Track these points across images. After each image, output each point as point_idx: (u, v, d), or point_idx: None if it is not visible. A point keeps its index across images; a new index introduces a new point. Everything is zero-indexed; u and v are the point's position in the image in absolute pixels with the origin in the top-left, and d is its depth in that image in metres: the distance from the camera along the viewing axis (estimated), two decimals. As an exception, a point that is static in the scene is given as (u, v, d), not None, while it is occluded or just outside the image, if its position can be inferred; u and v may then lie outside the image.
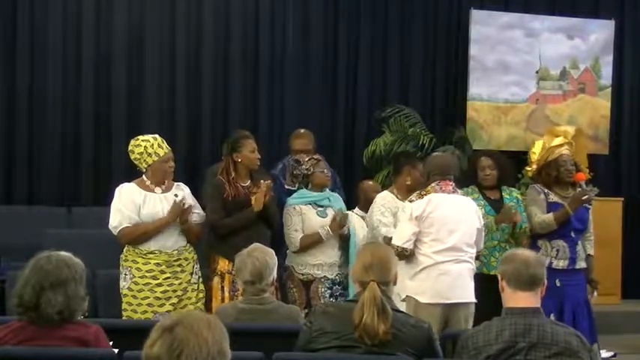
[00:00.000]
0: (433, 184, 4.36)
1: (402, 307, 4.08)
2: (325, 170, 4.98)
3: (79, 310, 2.83)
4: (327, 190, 5.06)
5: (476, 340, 2.88)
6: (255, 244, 3.71)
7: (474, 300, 4.25)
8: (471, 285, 4.26)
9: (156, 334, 1.74)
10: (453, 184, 4.39)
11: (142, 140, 4.49)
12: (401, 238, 4.30)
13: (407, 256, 4.29)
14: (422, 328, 3.01)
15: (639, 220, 7.81)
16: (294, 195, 5.03)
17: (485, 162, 5.07)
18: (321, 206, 4.94)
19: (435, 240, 4.23)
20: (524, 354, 2.80)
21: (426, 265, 4.23)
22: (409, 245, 4.27)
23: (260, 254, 3.57)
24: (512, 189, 5.31)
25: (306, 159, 5.04)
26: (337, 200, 5.06)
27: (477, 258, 4.51)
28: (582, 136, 5.92)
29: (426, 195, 4.33)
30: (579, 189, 4.93)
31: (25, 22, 7.06)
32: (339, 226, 4.82)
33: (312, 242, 4.85)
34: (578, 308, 4.82)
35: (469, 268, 4.28)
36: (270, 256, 3.61)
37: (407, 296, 4.30)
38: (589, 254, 5.04)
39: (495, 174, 5.05)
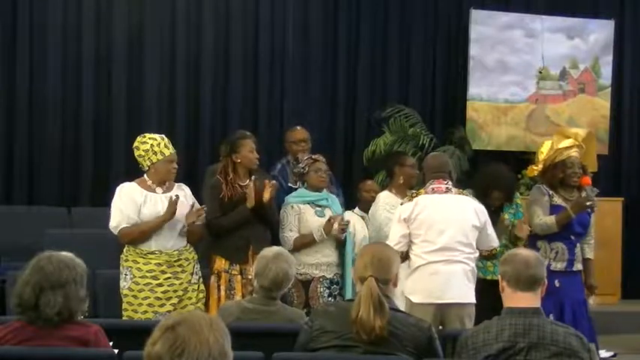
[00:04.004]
0: (427, 186, 4.37)
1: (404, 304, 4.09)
2: (322, 171, 4.95)
3: (78, 311, 2.83)
4: (325, 191, 5.04)
5: (475, 340, 2.88)
6: (281, 249, 3.69)
7: (470, 301, 4.21)
8: (466, 286, 4.21)
9: (158, 332, 1.74)
10: (448, 183, 4.37)
11: (149, 138, 4.49)
12: (391, 240, 4.29)
13: (400, 258, 4.30)
14: (422, 327, 3.01)
15: (639, 220, 7.81)
16: (294, 193, 5.04)
17: (497, 195, 5.00)
18: (320, 206, 4.94)
19: (425, 241, 4.23)
20: (524, 354, 2.80)
21: (418, 265, 4.24)
22: (399, 247, 4.24)
23: (284, 264, 3.52)
24: (513, 192, 5.32)
25: (305, 157, 5.05)
26: (335, 202, 5.04)
27: (494, 256, 4.46)
28: (594, 140, 5.89)
29: (416, 197, 4.33)
30: (584, 194, 4.91)
31: (25, 22, 7.05)
32: (339, 230, 4.81)
33: (305, 243, 4.85)
34: (578, 308, 4.82)
35: (464, 268, 4.21)
36: (293, 266, 3.60)
37: (405, 296, 4.31)
38: (588, 258, 5.00)
39: (503, 200, 5.05)
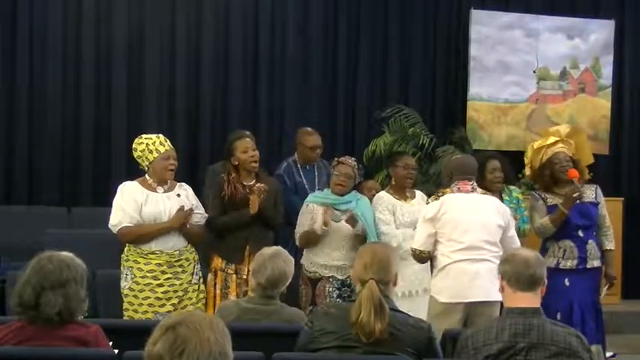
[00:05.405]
0: (452, 186, 4.37)
1: (403, 304, 4.09)
2: (341, 175, 4.89)
3: (78, 311, 2.83)
4: (354, 192, 4.99)
5: (475, 340, 2.88)
6: (279, 249, 3.68)
7: (496, 299, 4.07)
8: (492, 283, 4.09)
9: (158, 332, 1.74)
10: (473, 184, 4.37)
11: (145, 138, 4.52)
12: (417, 241, 4.33)
13: (425, 258, 4.30)
14: (422, 327, 3.01)
15: (639, 220, 7.81)
16: (316, 192, 5.07)
17: (493, 164, 5.04)
18: (339, 210, 4.89)
19: (451, 240, 4.22)
20: (524, 354, 2.80)
21: (445, 265, 4.23)
22: (426, 247, 4.27)
23: (281, 263, 3.53)
24: (513, 188, 5.31)
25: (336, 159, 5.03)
26: (361, 203, 4.96)
27: None
28: (581, 134, 5.90)
29: (442, 196, 4.34)
30: (572, 187, 4.90)
31: (25, 21, 7.05)
32: (351, 223, 4.80)
33: (309, 239, 4.85)
34: (587, 309, 4.80)
35: (490, 267, 4.13)
36: (290, 265, 3.59)
37: (430, 296, 4.32)
38: (608, 249, 4.99)
39: (502, 176, 5.06)
